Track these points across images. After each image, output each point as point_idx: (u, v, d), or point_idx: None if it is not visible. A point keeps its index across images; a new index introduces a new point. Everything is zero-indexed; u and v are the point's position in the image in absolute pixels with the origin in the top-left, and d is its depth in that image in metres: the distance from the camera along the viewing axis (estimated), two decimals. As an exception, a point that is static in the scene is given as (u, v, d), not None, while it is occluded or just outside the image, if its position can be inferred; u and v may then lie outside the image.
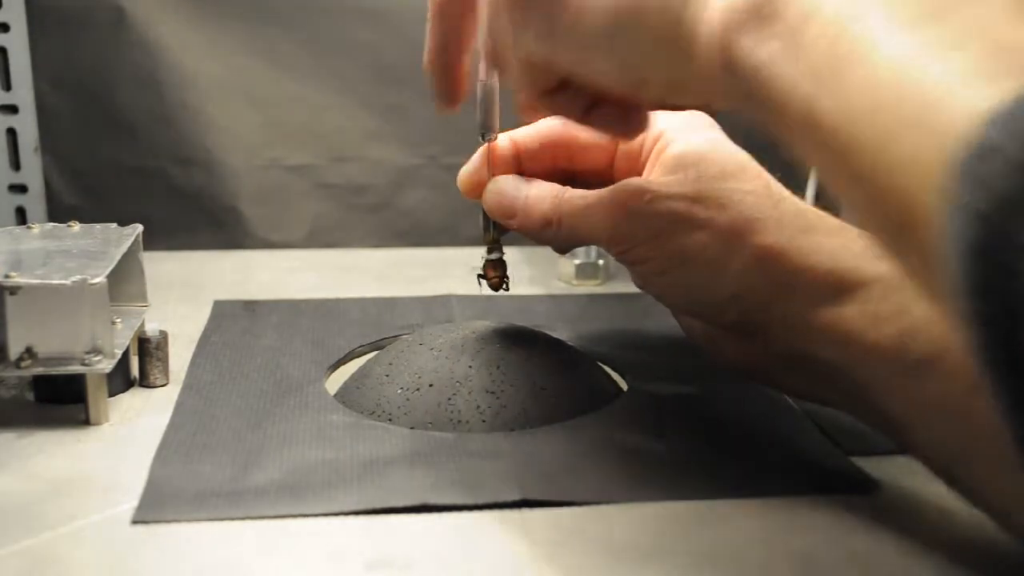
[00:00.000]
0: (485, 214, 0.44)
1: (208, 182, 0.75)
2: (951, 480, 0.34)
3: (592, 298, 0.64)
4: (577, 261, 0.68)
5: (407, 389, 0.44)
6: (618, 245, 0.40)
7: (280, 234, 0.77)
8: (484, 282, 0.46)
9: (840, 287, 0.36)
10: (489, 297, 0.46)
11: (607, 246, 0.40)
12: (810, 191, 0.79)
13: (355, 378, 0.48)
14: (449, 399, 0.43)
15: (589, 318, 0.60)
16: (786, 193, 0.39)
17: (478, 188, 0.43)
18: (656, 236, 0.38)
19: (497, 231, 0.45)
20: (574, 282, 0.68)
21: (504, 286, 0.46)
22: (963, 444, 0.33)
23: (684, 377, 0.49)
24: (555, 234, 0.41)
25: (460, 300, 0.62)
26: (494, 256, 0.45)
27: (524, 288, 0.66)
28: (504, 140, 0.43)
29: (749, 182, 0.39)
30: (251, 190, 0.76)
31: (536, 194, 0.42)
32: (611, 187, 0.40)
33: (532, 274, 0.69)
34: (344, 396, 0.47)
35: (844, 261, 0.36)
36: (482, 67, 0.41)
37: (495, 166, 0.43)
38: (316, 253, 0.76)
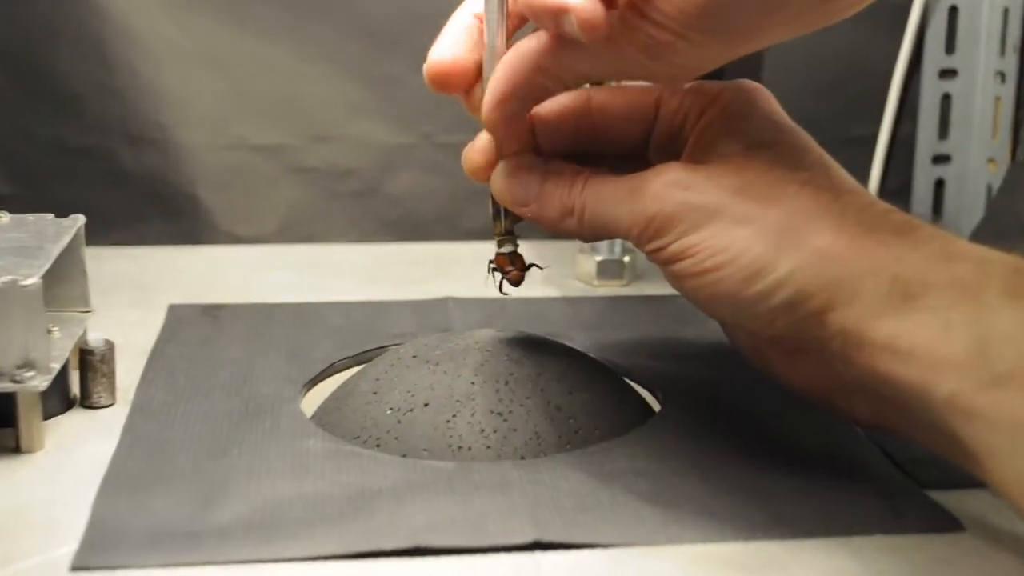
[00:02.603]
0: (494, 200, 0.44)
1: (163, 165, 0.75)
2: None
3: (617, 301, 0.64)
4: (599, 258, 0.67)
5: (398, 410, 0.44)
6: (650, 240, 0.39)
7: (248, 226, 0.76)
8: (499, 276, 0.46)
9: (907, 293, 0.36)
10: (495, 300, 0.46)
11: (636, 241, 0.40)
12: (874, 181, 0.79)
13: (336, 397, 0.48)
14: (448, 421, 0.43)
15: (614, 325, 0.59)
16: (849, 184, 0.39)
17: (486, 169, 0.43)
18: (694, 232, 0.38)
19: (509, 220, 0.45)
20: (595, 282, 0.68)
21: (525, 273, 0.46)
22: None
23: (727, 394, 0.49)
24: (576, 225, 0.41)
25: (460, 304, 0.62)
26: (506, 249, 0.45)
27: (536, 289, 0.66)
28: None
29: (807, 170, 0.39)
30: (214, 174, 0.76)
31: (555, 178, 0.42)
32: (643, 172, 0.40)
33: (546, 273, 0.69)
34: (323, 418, 0.47)
35: (912, 264, 0.36)
36: (487, 29, 0.41)
37: (506, 143, 0.43)
38: (291, 248, 0.76)
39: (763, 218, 0.38)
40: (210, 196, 0.76)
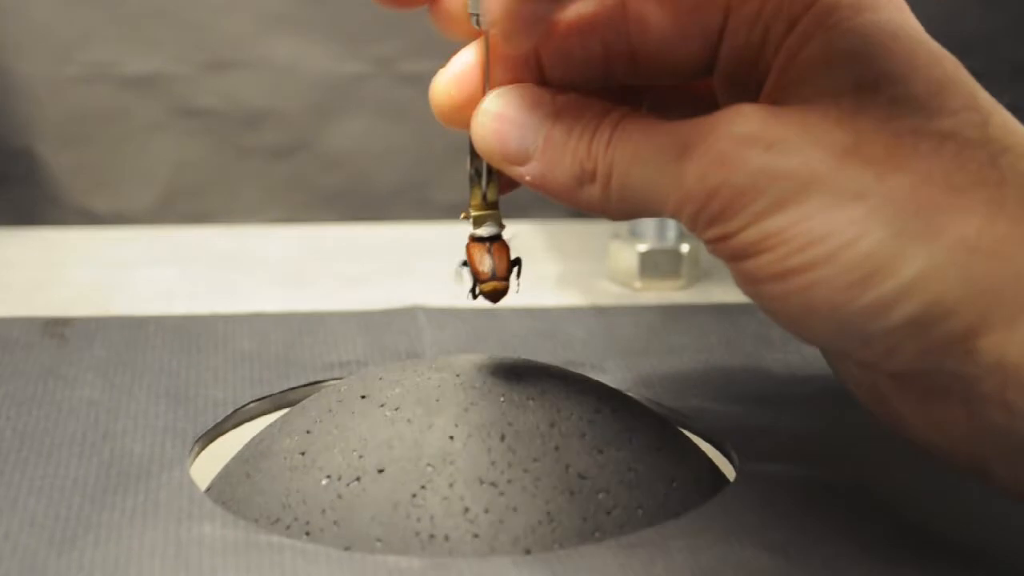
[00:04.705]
0: (475, 155, 0.44)
1: (-17, 106, 0.75)
2: None
3: (670, 313, 0.64)
4: (644, 247, 0.68)
5: (339, 479, 0.44)
6: (710, 225, 0.39)
7: (111, 199, 0.77)
8: (470, 278, 0.46)
9: None
10: (485, 311, 0.46)
11: (690, 223, 0.40)
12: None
13: (245, 459, 0.48)
14: (414, 496, 0.43)
15: (666, 348, 0.60)
16: (1017, 137, 0.39)
17: (465, 109, 0.43)
18: (778, 212, 0.38)
19: (494, 186, 0.45)
20: (638, 283, 0.68)
21: (513, 286, 0.46)
22: None
23: (834, 456, 0.49)
24: (599, 195, 0.41)
25: (434, 317, 0.62)
26: (487, 231, 0.45)
27: (548, 294, 0.66)
28: None
29: (951, 117, 0.39)
30: (59, 120, 0.76)
31: (569, 120, 0.42)
32: (702, 117, 0.40)
33: (562, 270, 0.69)
34: (225, 491, 0.47)
35: None
36: None
37: (496, 70, 0.43)
38: (175, 232, 0.76)
39: (881, 191, 0.38)
40: (54, 153, 0.76)
